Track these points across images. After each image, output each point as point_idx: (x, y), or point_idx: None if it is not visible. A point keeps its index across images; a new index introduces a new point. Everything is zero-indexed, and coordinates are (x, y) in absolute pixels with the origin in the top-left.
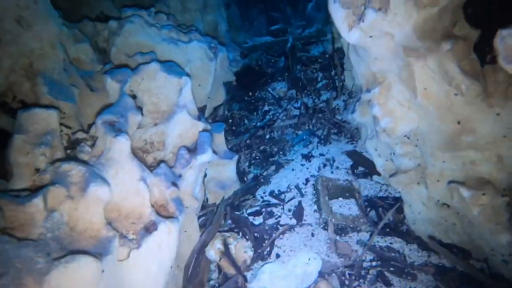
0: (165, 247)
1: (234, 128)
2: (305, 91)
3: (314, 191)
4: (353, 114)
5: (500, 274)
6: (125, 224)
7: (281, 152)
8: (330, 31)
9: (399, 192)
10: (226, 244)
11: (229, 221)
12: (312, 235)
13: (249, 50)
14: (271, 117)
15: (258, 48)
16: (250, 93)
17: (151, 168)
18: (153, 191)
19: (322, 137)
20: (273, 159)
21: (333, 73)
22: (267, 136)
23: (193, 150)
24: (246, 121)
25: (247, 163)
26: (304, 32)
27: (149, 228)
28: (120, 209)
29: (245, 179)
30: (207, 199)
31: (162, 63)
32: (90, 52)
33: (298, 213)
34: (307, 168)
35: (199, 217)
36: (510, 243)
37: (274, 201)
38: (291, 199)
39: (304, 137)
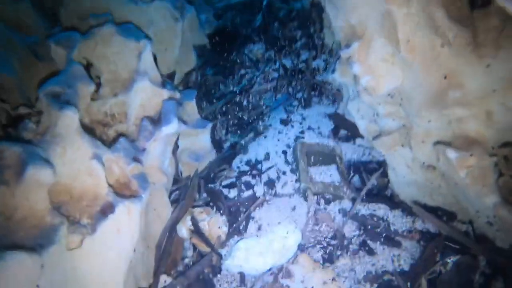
0: (125, 231)
1: (208, 94)
2: (284, 51)
3: (293, 159)
4: (333, 74)
5: (484, 235)
6: (78, 207)
7: (259, 118)
8: None
9: (383, 155)
10: (195, 221)
11: (204, 195)
12: (291, 206)
13: (223, 10)
14: (248, 81)
15: (233, 7)
16: (225, 57)
17: (111, 143)
18: (112, 168)
19: (302, 100)
20: (251, 125)
21: (312, 30)
22: (244, 102)
23: (157, 120)
24: (221, 87)
25: (223, 131)
26: None
27: (106, 211)
28: (71, 191)
29: (222, 148)
30: (181, 172)
31: (118, 26)
32: (32, 14)
33: (275, 183)
34: (286, 134)
35: (171, 192)
36: (496, 205)
37: (250, 170)
38: (269, 168)
39: (283, 100)
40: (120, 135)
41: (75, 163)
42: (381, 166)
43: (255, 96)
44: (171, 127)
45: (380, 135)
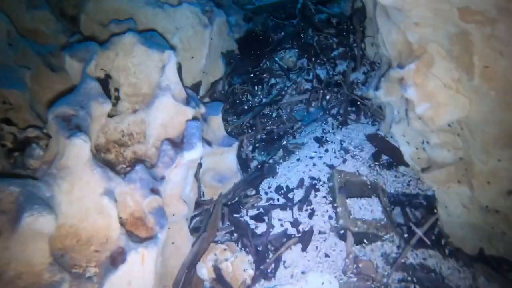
0: (137, 283)
1: (235, 106)
2: (318, 60)
3: (329, 189)
4: (377, 91)
5: None
6: (85, 253)
7: (290, 134)
8: None
9: (433, 190)
10: (218, 268)
11: (227, 223)
12: (327, 248)
13: (254, 12)
14: (279, 91)
15: (264, 10)
16: (255, 64)
17: (127, 168)
18: (127, 202)
19: (338, 116)
20: (281, 142)
21: (351, 39)
22: (274, 115)
23: (179, 143)
24: (249, 97)
25: (250, 147)
26: None
27: (116, 259)
28: (77, 233)
29: (248, 167)
30: (202, 193)
31: (140, 34)
32: (51, 21)
33: (309, 218)
34: (321, 157)
35: (192, 217)
36: None
37: (280, 200)
38: (302, 200)
39: (317, 116)
40: (137, 160)
41: (83, 200)
42: (429, 201)
43: (286, 108)
44: (195, 153)
45: (430, 168)
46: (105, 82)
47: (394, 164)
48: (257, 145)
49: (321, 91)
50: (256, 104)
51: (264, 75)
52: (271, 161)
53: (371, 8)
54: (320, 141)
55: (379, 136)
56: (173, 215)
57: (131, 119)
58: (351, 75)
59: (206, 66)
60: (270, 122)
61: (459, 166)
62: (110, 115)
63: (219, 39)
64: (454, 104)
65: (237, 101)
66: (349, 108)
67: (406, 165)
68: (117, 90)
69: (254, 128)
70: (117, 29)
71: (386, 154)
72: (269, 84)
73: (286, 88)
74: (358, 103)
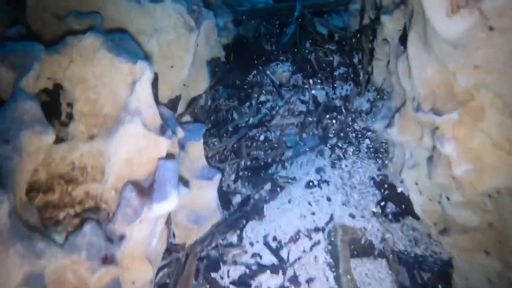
0: None
1: (218, 126)
2: (316, 79)
3: (330, 246)
4: (389, 128)
5: None
6: None
7: (279, 163)
8: None
9: (450, 255)
10: None
11: (204, 285)
12: None
13: (245, 16)
14: (269, 111)
15: (256, 14)
16: (243, 76)
17: (73, 217)
18: (66, 278)
19: (336, 148)
20: (269, 172)
21: (356, 59)
22: (262, 138)
23: (147, 189)
24: (235, 116)
25: (233, 176)
26: None
27: None
28: None
29: (230, 202)
30: (173, 234)
31: (107, 35)
32: None
33: (305, 285)
34: (317, 201)
35: (159, 269)
36: None
37: (269, 258)
38: (296, 260)
39: (312, 145)
40: (86, 217)
41: None
42: (443, 267)
43: (276, 131)
44: (167, 205)
45: (450, 231)
46: (54, 94)
47: (402, 215)
48: (240, 173)
49: (318, 115)
50: (242, 125)
51: (253, 90)
52: (256, 196)
53: (391, 30)
54: (315, 178)
55: (385, 180)
56: (133, 283)
57: (85, 148)
58: (354, 102)
59: (188, 78)
60: (256, 147)
61: (489, 233)
62: (58, 139)
63: (205, 45)
64: (504, 169)
65: (221, 120)
66: (350, 140)
67: (416, 216)
68: (70, 105)
69: (238, 154)
70: (77, 25)
71: (393, 202)
72: (258, 101)
73: (277, 107)
74: (360, 135)
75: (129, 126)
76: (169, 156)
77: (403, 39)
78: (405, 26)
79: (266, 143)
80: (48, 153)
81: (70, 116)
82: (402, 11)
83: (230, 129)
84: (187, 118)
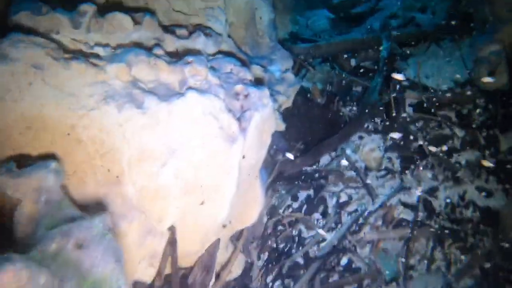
0: None
1: (275, 256)
2: (427, 164)
3: None
4: None
5: None
6: None
7: None
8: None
9: None
10: None
11: None
12: None
13: (309, 54)
14: (353, 219)
15: (324, 51)
16: (312, 159)
17: None
18: None
19: None
20: None
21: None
22: (344, 261)
23: None
24: (302, 232)
25: None
26: (405, 17)
27: None
28: None
29: None
30: None
31: None
32: None
33: None
34: None
35: None
36: None
37: None
38: None
39: (427, 282)
40: None
41: None
42: None
43: (363, 250)
44: None
45: None
46: None
47: None
48: None
49: (433, 232)
50: (314, 249)
51: (327, 183)
52: None
53: None
54: None
55: None
56: None
57: None
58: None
59: (229, 212)
60: (337, 284)
61: None
62: None
63: (258, 148)
64: None
65: (282, 248)
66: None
67: None
68: None
69: None
70: None
71: None
72: (336, 204)
73: (365, 211)
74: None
75: None
76: None
77: None
78: None
79: (350, 273)
80: None
81: None
82: None
83: (293, 262)
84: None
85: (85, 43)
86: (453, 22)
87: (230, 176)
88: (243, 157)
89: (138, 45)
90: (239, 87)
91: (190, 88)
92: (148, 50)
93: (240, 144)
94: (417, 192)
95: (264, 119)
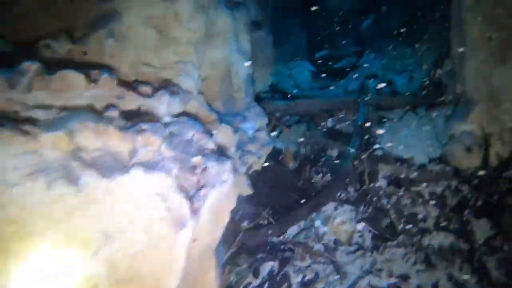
0: None
1: None
2: (396, 241)
3: None
4: None
5: None
6: None
7: None
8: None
9: None
10: None
11: None
12: None
13: (285, 112)
14: None
15: (301, 111)
16: (278, 229)
17: None
18: None
19: None
20: None
21: (466, 218)
22: None
23: None
24: None
25: None
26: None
27: None
28: None
29: None
30: None
31: None
32: None
33: None
34: None
35: None
36: None
37: None
38: None
39: None
40: None
41: None
42: None
43: None
44: None
45: None
46: None
47: None
48: None
49: None
50: None
51: (294, 255)
52: None
53: None
54: None
55: None
56: None
57: None
58: None
59: None
60: None
61: None
62: None
63: (214, 230)
64: None
65: None
66: None
67: None
68: None
69: None
70: None
71: None
72: (303, 280)
73: None
74: None
75: None
76: None
77: None
78: None
79: None
80: None
81: None
82: None
83: None
84: None
85: (22, 104)
86: (425, 92)
87: (174, 267)
88: (195, 240)
89: (90, 106)
90: (196, 160)
91: (135, 164)
92: (101, 112)
93: (190, 228)
94: (388, 280)
95: (222, 196)
